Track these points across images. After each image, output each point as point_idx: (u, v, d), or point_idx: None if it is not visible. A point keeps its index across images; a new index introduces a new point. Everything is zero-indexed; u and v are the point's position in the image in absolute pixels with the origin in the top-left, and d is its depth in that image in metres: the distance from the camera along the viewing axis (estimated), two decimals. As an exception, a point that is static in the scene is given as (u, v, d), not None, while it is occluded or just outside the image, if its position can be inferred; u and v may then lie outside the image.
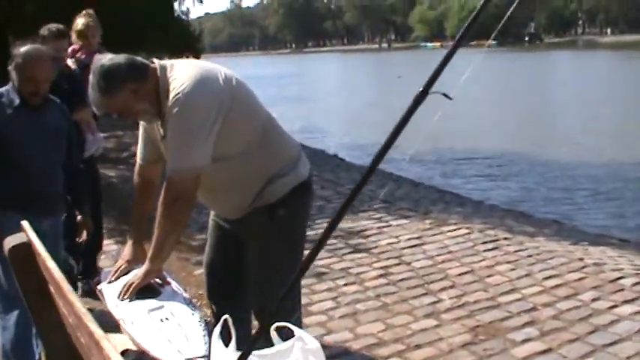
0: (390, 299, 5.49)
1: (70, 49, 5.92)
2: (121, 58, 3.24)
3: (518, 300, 5.42)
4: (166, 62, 3.29)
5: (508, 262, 6.31)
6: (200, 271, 4.82)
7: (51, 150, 4.07)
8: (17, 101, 3.95)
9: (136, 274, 3.32)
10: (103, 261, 6.25)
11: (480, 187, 13.75)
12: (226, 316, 2.54)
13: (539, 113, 25.86)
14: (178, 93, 3.13)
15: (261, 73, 57.62)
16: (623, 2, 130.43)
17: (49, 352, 2.50)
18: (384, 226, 7.55)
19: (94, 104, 3.33)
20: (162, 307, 3.06)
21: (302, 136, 19.19)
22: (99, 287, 3.57)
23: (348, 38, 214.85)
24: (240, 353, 2.38)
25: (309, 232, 7.22)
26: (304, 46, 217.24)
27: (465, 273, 6.04)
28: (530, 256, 6.49)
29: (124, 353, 2.94)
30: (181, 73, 3.20)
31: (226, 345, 2.49)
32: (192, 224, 6.85)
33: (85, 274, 5.76)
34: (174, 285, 3.34)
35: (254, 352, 2.34)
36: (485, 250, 6.67)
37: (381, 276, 6.01)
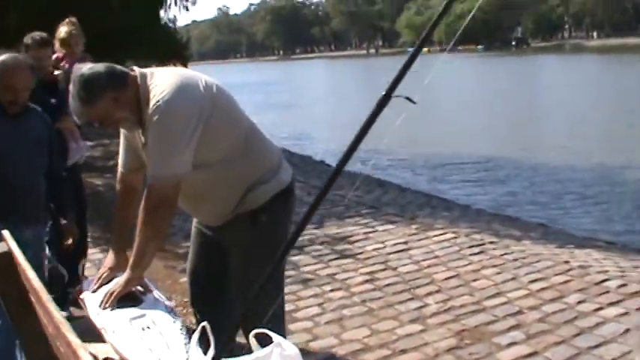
0: (375, 304, 5.49)
1: (53, 57, 5.90)
2: (100, 66, 3.24)
3: (504, 304, 5.43)
4: (146, 70, 3.29)
5: (494, 266, 6.32)
6: (186, 278, 4.80)
7: (32, 158, 4.05)
8: None
9: (117, 282, 3.31)
10: (88, 269, 6.22)
11: (468, 192, 13.75)
12: (204, 323, 2.54)
13: (527, 117, 25.95)
14: (158, 100, 3.13)
15: (248, 80, 57.73)
16: (609, 6, 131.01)
17: (32, 362, 2.49)
18: (370, 232, 7.55)
19: (74, 114, 3.32)
20: (143, 315, 3.05)
21: (289, 143, 19.22)
22: (81, 296, 3.56)
23: (336, 44, 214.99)
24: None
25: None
26: (292, 52, 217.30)
27: (451, 277, 6.05)
28: (516, 259, 6.51)
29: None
30: (161, 81, 3.20)
31: (205, 352, 2.49)
32: (177, 232, 6.84)
33: (69, 283, 5.73)
34: (155, 293, 3.33)
35: None
36: (471, 255, 6.68)
37: (367, 281, 6.01)
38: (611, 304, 5.34)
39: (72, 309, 5.27)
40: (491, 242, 7.15)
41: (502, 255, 6.65)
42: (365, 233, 7.50)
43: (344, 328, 5.08)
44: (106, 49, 11.36)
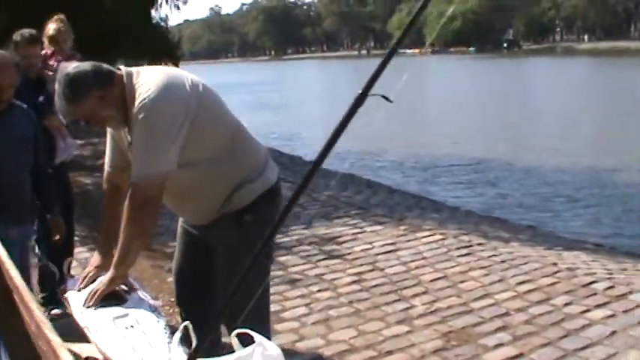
0: (362, 305, 5.48)
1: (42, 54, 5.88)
2: (86, 65, 3.23)
3: (491, 305, 5.43)
4: (132, 69, 3.28)
5: (482, 268, 6.32)
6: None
7: (17, 155, 4.03)
8: None
9: (101, 280, 3.30)
10: (74, 268, 6.17)
11: (457, 194, 13.75)
12: (187, 322, 2.53)
13: (518, 119, 25.98)
14: (144, 99, 3.12)
15: (240, 80, 57.65)
16: (600, 9, 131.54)
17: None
18: (358, 233, 7.55)
19: (60, 113, 3.31)
20: (127, 314, 3.04)
21: (279, 143, 19.20)
22: (65, 295, 3.54)
23: (328, 45, 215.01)
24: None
25: (284, 239, 7.25)
26: (284, 52, 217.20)
27: (438, 279, 6.05)
28: (503, 261, 6.51)
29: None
30: (147, 80, 3.19)
31: (187, 351, 2.48)
32: (165, 232, 6.81)
33: (60, 281, 5.70)
34: (140, 292, 3.32)
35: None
36: (459, 256, 6.68)
37: (354, 282, 6.00)
38: (598, 306, 5.34)
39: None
40: (479, 244, 7.15)
41: (490, 257, 6.65)
42: (353, 234, 7.50)
43: (330, 329, 5.07)
44: (97, 48, 11.35)
